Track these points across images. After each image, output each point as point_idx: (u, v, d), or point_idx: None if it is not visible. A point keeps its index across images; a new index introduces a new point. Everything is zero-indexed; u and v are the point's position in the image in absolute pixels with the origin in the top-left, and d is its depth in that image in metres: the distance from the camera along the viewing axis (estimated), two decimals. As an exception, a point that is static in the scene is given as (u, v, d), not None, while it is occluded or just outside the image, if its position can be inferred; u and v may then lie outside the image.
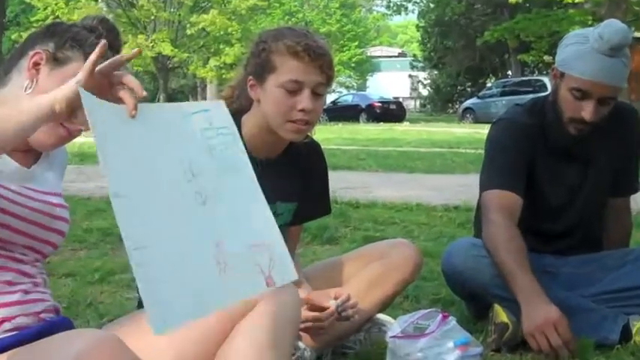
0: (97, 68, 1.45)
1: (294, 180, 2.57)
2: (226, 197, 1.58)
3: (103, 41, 1.48)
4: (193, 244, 1.47)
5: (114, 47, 1.78)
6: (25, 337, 1.58)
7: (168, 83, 46.56)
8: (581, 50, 2.75)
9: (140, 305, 1.92)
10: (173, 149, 1.53)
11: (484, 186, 2.96)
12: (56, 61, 1.73)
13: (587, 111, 2.75)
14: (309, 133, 2.49)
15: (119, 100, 1.47)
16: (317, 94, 2.33)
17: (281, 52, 2.31)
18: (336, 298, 2.41)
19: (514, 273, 2.64)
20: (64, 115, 1.44)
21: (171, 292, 1.37)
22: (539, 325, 2.52)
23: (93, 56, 1.45)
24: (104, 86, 1.47)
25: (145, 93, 1.50)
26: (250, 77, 2.38)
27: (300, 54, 2.28)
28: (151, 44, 38.45)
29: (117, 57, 1.51)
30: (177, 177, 1.51)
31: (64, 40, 1.76)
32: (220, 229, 1.53)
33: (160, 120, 1.54)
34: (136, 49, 1.60)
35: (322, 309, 2.37)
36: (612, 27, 2.72)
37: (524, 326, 2.58)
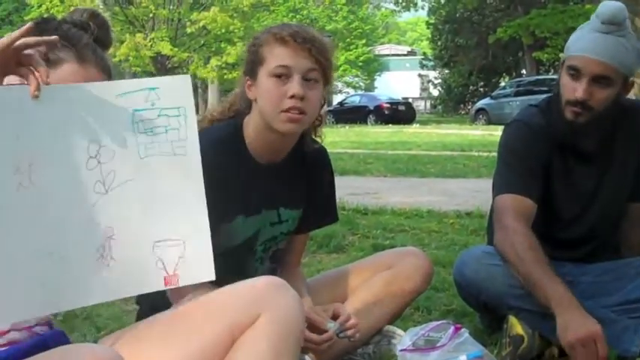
0: (15, 44, 1.51)
1: (299, 186, 2.54)
2: (144, 186, 1.57)
3: (30, 23, 1.57)
4: (69, 235, 1.47)
5: (105, 43, 1.88)
6: (18, 352, 1.56)
7: (168, 84, 46.85)
8: (580, 33, 2.82)
9: (139, 318, 1.92)
10: (78, 134, 1.51)
11: (498, 190, 2.91)
12: (48, 62, 1.65)
13: (578, 89, 2.73)
14: (318, 138, 2.53)
15: (23, 79, 1.52)
16: (309, 81, 2.28)
17: (268, 42, 2.31)
18: (335, 317, 2.39)
19: (544, 283, 2.58)
20: None
21: (12, 287, 1.39)
22: (581, 338, 2.43)
23: (15, 34, 1.52)
24: (10, 63, 1.52)
25: (48, 79, 1.50)
26: (246, 77, 2.38)
27: (285, 38, 2.27)
28: (150, 43, 39.01)
29: (39, 38, 1.55)
30: (74, 165, 1.51)
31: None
32: (119, 221, 1.53)
33: (73, 102, 1.52)
34: (54, 37, 1.58)
35: (321, 331, 2.34)
36: (606, 4, 2.76)
37: (564, 335, 2.47)
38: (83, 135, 1.53)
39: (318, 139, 2.54)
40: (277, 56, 2.28)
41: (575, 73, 2.76)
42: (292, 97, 2.26)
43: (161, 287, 1.60)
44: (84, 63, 1.77)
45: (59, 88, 1.53)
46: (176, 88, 1.64)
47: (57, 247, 1.46)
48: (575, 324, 2.48)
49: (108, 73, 1.84)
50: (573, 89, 2.77)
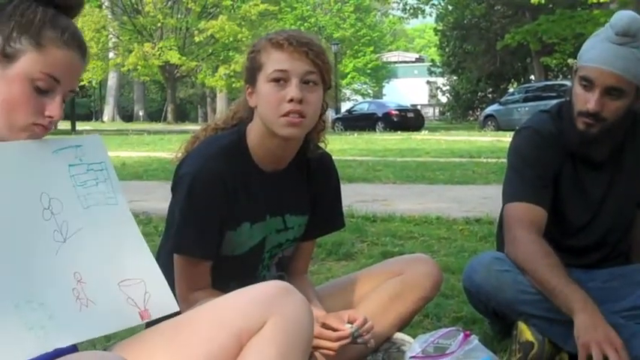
0: None
1: (304, 192, 2.54)
2: (94, 234, 1.67)
3: None
4: (41, 283, 1.54)
5: (70, 7, 1.78)
6: None
7: (177, 93, 47.05)
8: (593, 41, 2.79)
9: (149, 325, 1.89)
10: (31, 188, 1.61)
11: (508, 198, 2.91)
12: (6, 57, 1.68)
13: (590, 101, 2.72)
14: (322, 144, 2.53)
15: None
16: (308, 84, 2.29)
17: (265, 48, 2.32)
18: (350, 322, 2.34)
19: (562, 288, 2.59)
20: None
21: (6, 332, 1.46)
22: (599, 341, 2.42)
23: None
24: None
25: None
26: (247, 85, 2.39)
27: (281, 42, 2.28)
28: (158, 52, 38.91)
29: None
30: (32, 216, 1.59)
31: (10, 29, 1.68)
32: (83, 266, 1.62)
33: (19, 159, 1.61)
34: None
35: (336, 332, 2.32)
36: (619, 14, 2.75)
37: (581, 335, 2.46)
38: (35, 188, 1.61)
39: (321, 145, 2.54)
40: (274, 61, 2.28)
41: (588, 84, 2.74)
42: (291, 100, 2.25)
43: (139, 322, 1.67)
44: (42, 48, 1.68)
45: (7, 146, 1.60)
46: (95, 145, 1.75)
47: (34, 294, 1.52)
48: (595, 327, 2.47)
49: (77, 43, 1.75)
50: (585, 100, 2.75)
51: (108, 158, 1.76)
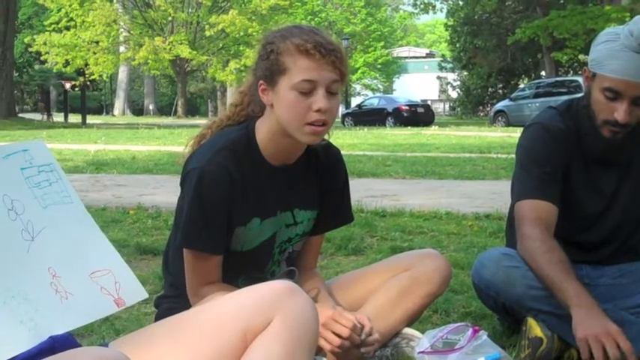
0: None
1: (313, 187, 2.54)
2: (57, 231, 1.72)
3: None
4: (20, 280, 1.59)
5: None
6: (25, 357, 1.56)
7: (187, 87, 47.14)
8: (611, 48, 2.73)
9: (157, 320, 1.97)
10: None
11: (518, 196, 2.91)
12: None
13: (619, 112, 2.72)
14: (325, 136, 2.45)
15: None
16: (332, 93, 2.27)
17: (290, 52, 2.25)
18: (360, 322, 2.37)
19: (560, 283, 2.59)
20: None
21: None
22: (596, 334, 2.42)
23: None
24: None
25: None
26: (261, 82, 2.32)
27: (310, 51, 2.23)
28: (169, 47, 39.03)
29: None
30: (0, 217, 1.64)
31: None
32: (55, 261, 1.67)
33: None
34: None
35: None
36: (638, 21, 2.68)
37: (578, 330, 2.46)
38: None
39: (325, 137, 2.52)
40: (302, 69, 2.24)
41: (614, 95, 2.72)
42: (318, 110, 2.24)
43: (115, 309, 1.74)
44: None
45: None
46: (41, 149, 1.81)
47: (15, 290, 1.57)
48: (590, 321, 2.46)
49: None
50: (611, 110, 2.74)
51: (55, 161, 1.82)
